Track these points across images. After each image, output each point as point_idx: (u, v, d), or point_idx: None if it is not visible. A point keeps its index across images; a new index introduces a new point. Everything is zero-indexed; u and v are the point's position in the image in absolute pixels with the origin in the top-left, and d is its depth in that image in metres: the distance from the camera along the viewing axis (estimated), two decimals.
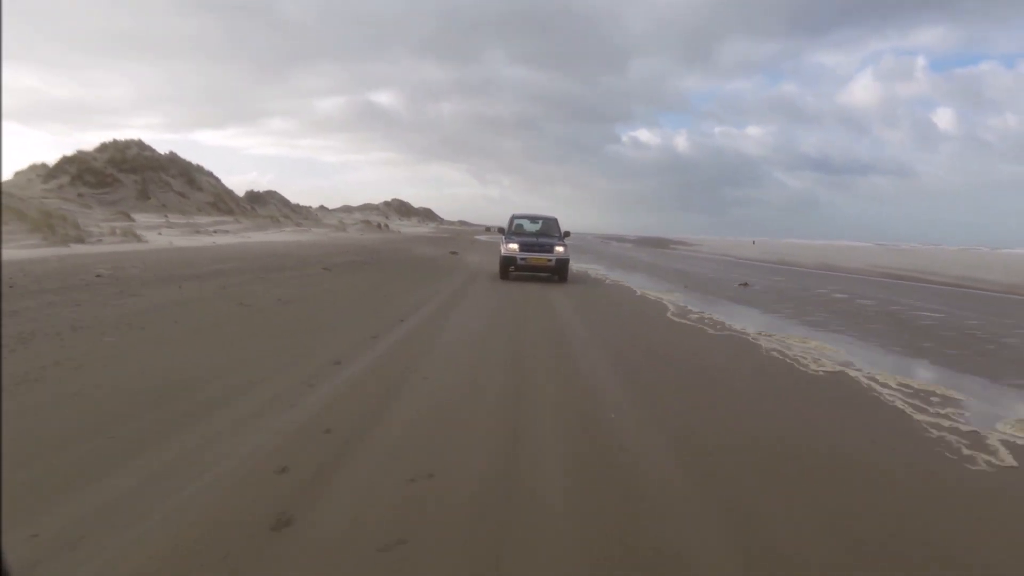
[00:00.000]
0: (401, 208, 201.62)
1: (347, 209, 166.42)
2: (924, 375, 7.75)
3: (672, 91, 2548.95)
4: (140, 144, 77.70)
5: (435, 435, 4.48)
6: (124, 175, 71.33)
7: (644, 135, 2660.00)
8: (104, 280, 11.84)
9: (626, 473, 3.97)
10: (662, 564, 2.91)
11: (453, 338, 8.42)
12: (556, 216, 20.31)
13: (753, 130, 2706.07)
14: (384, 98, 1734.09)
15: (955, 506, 3.78)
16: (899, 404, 6.09)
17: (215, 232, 33.12)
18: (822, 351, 8.85)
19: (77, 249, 17.36)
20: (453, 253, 31.95)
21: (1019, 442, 5.06)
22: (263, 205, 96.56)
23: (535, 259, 17.52)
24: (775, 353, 8.53)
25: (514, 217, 19.95)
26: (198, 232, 31.65)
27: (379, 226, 71.95)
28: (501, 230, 19.20)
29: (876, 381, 7.01)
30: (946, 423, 5.49)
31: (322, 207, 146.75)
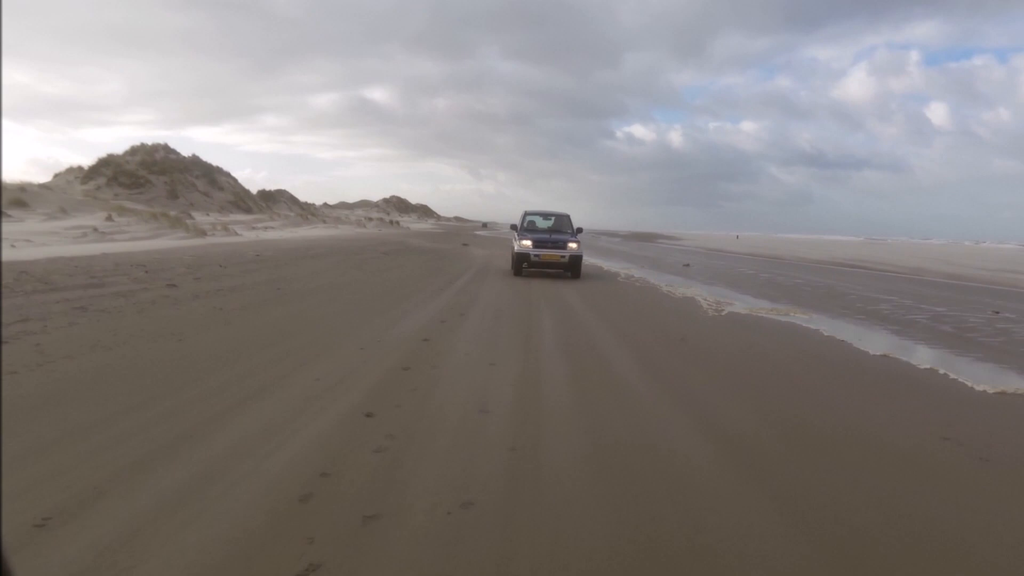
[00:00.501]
0: (400, 205, 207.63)
1: (344, 206, 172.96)
2: (733, 297, 14.95)
3: (666, 86, 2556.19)
4: (166, 148, 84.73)
5: (494, 327, 11.66)
6: (154, 176, 78.41)
7: (638, 130, 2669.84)
8: (263, 258, 19.03)
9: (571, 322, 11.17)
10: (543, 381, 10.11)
11: (489, 287, 15.59)
12: (568, 213, 20.68)
13: (747, 125, 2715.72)
14: (378, 94, 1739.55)
15: (699, 320, 10.98)
16: (703, 305, 13.34)
17: (266, 229, 40.15)
18: (694, 292, 16.10)
19: (211, 239, 24.52)
20: (465, 245, 39.01)
21: (736, 312, 12.30)
22: (275, 203, 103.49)
23: (548, 255, 18.01)
24: (664, 291, 15.83)
25: (526, 214, 20.42)
26: (253, 228, 38.69)
27: (391, 222, 79.02)
28: (514, 227, 19.88)
29: (706, 300, 14.25)
30: (714, 308, 12.75)
31: (325, 204, 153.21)
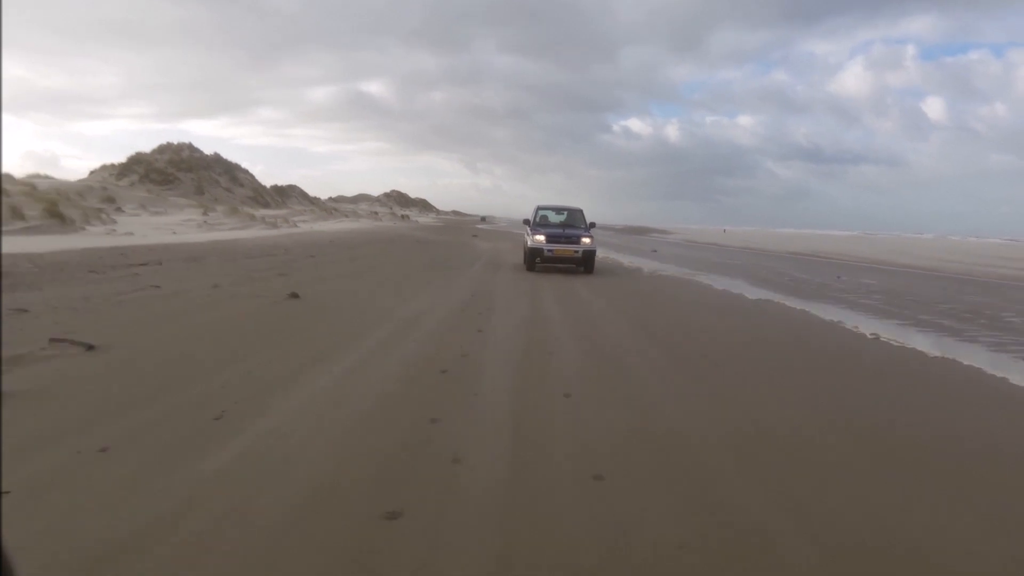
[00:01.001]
0: (400, 199, 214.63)
1: (342, 199, 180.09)
2: (671, 269, 22.42)
3: (663, 80, 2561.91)
4: (191, 147, 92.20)
5: (515, 283, 19.19)
6: (182, 174, 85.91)
7: (635, 124, 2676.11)
8: (336, 244, 26.49)
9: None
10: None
11: (507, 260, 23.06)
12: (581, 207, 20.86)
13: (744, 120, 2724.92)
14: (374, 88, 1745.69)
15: (636, 278, 18.47)
16: (645, 271, 20.87)
17: (304, 223, 47.55)
18: (645, 265, 23.56)
19: (282, 231, 32.00)
20: (474, 236, 46.44)
21: (662, 274, 19.81)
22: (287, 198, 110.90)
23: (562, 251, 18.21)
24: (626, 265, 23.40)
25: (539, 208, 20.62)
26: (287, 222, 46.06)
27: (401, 216, 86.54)
28: (526, 221, 20.43)
29: (648, 269, 21.75)
30: (649, 272, 20.28)
31: (330, 198, 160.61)
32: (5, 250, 14.26)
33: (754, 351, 8.16)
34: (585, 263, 18.41)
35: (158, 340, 6.93)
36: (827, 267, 28.19)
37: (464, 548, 2.89)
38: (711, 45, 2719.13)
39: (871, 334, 9.97)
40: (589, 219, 19.79)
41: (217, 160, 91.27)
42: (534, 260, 18.40)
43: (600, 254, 20.94)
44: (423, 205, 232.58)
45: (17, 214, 19.38)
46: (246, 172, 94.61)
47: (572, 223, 19.77)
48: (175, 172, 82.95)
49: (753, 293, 15.93)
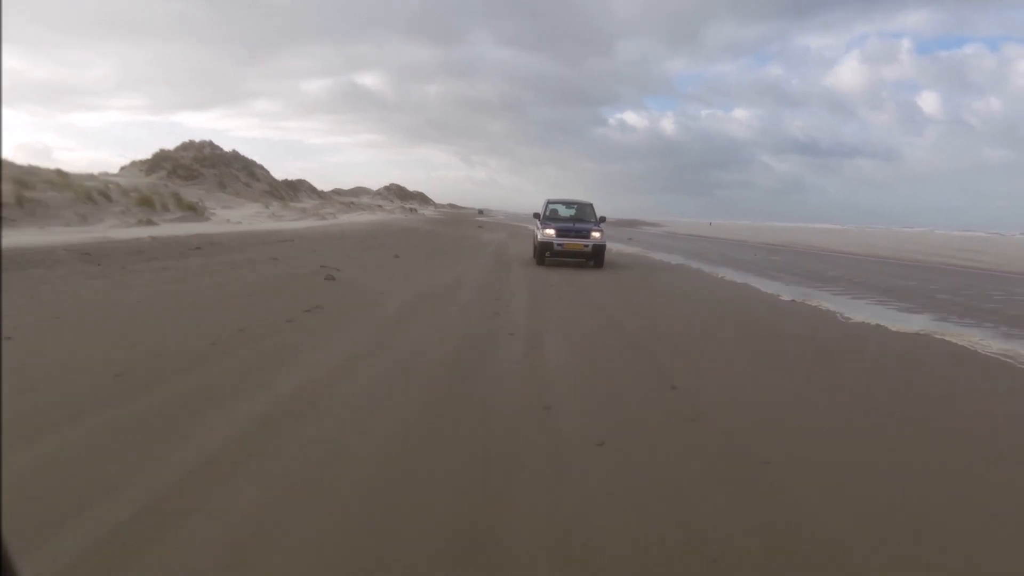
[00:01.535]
0: (400, 192, 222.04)
1: (339, 192, 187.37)
2: (635, 250, 30.84)
3: (658, 74, 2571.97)
4: (211, 144, 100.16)
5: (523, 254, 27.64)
6: (205, 170, 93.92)
7: (631, 117, 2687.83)
8: (378, 232, 34.83)
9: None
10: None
11: (511, 245, 31.43)
12: (591, 201, 21.32)
13: (740, 113, 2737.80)
14: (369, 80, 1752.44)
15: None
16: (613, 250, 29.36)
17: (334, 215, 55.76)
18: (615, 247, 32.02)
19: (329, 221, 40.23)
20: (479, 227, 54.67)
21: (624, 252, 28.25)
22: (297, 191, 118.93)
23: (572, 245, 18.34)
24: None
25: (549, 202, 20.84)
26: (317, 214, 54.27)
27: (410, 210, 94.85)
28: (536, 215, 20.61)
29: (617, 250, 30.21)
30: (616, 253, 28.76)
31: (335, 190, 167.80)
32: (194, 229, 22.50)
33: (639, 284, 16.61)
34: (595, 257, 18.65)
35: (361, 270, 15.34)
36: (762, 251, 36.60)
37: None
38: (706, 38, 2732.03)
39: (739, 282, 18.44)
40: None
41: (235, 157, 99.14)
42: (544, 254, 18.74)
43: None
44: (421, 198, 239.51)
45: (165, 208, 27.56)
46: (262, 168, 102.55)
47: (582, 217, 20.31)
48: (199, 168, 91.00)
49: (674, 261, 24.47)
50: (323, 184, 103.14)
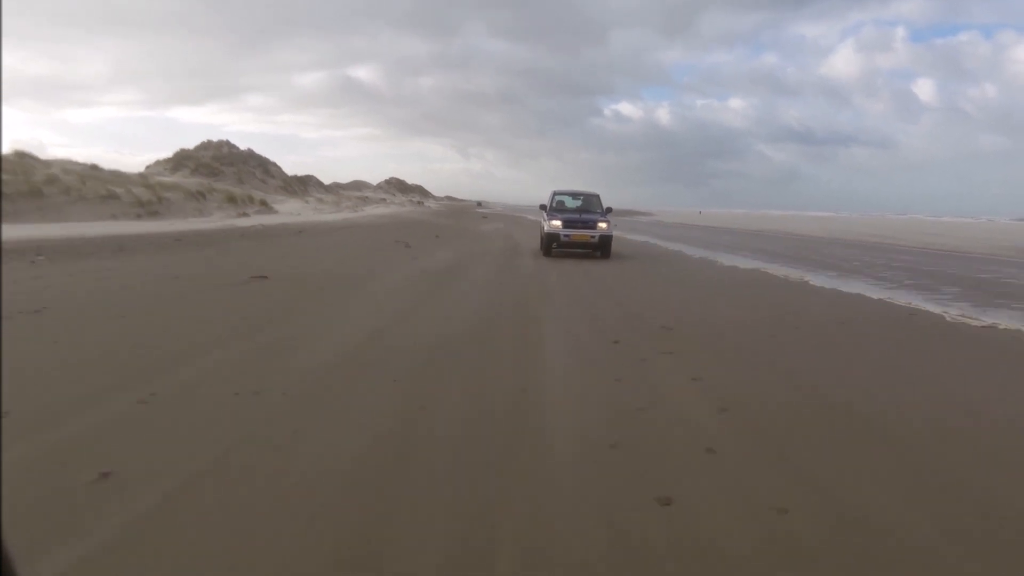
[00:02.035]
0: (400, 186, 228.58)
1: (338, 186, 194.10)
2: (618, 232, 38.57)
3: (653, 64, 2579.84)
4: (229, 144, 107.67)
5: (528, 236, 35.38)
6: (225, 167, 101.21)
7: (626, 108, 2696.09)
8: (403, 223, 42.54)
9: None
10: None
11: (514, 230, 39.08)
12: (598, 192, 21.48)
13: (735, 102, 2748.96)
14: (364, 73, 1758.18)
15: None
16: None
17: (354, 209, 63.39)
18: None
19: (360, 214, 47.87)
20: (484, 217, 62.19)
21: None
22: (308, 186, 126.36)
23: (579, 236, 18.52)
24: None
25: (555, 194, 20.93)
26: (348, 208, 61.90)
27: (418, 203, 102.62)
28: (543, 207, 20.69)
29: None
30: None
31: (334, 184, 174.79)
32: (275, 220, 30.18)
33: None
34: (602, 248, 18.94)
35: (422, 242, 23.10)
36: (729, 234, 44.19)
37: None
38: (701, 28, 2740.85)
39: (695, 258, 26.23)
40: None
41: (251, 155, 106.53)
42: (551, 245, 18.92)
43: None
44: (420, 192, 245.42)
45: (245, 205, 35.17)
46: (275, 164, 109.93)
47: (588, 208, 20.52)
48: (219, 166, 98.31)
49: (640, 239, 32.30)
50: (322, 178, 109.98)
